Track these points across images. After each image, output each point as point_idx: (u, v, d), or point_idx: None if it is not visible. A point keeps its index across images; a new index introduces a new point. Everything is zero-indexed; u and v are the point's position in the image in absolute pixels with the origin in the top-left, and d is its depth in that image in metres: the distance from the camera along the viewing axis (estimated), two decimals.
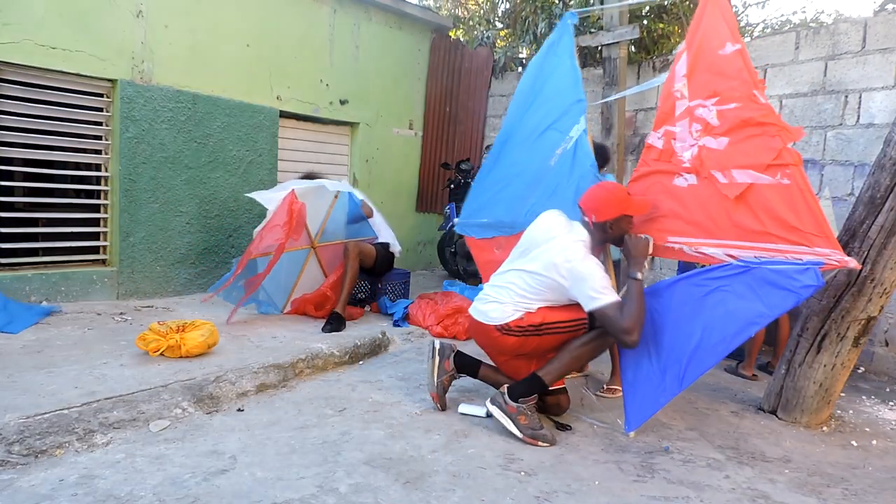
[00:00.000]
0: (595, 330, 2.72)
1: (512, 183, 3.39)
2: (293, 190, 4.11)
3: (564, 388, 2.94)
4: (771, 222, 2.52)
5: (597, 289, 2.57)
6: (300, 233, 4.30)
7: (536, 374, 2.72)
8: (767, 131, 2.55)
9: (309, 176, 4.78)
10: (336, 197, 4.56)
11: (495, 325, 2.77)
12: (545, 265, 2.70)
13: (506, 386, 2.74)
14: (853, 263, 2.43)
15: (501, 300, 2.79)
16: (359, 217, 4.71)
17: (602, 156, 3.53)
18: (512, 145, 3.42)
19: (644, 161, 2.94)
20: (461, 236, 5.91)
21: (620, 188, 2.87)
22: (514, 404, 2.66)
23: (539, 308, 2.74)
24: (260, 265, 4.04)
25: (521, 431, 2.63)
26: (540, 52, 3.42)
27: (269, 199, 4.16)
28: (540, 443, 2.62)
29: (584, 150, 3.12)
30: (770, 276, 2.46)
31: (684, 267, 3.94)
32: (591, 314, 2.67)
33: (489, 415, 2.80)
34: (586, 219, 2.79)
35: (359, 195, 4.71)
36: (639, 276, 2.66)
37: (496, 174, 3.52)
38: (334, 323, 4.03)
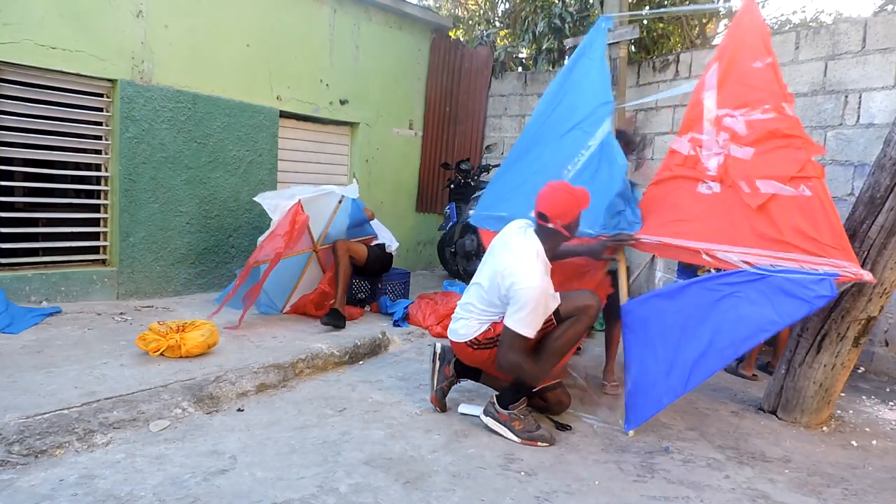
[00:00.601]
0: (565, 322, 2.70)
1: (534, 178, 3.38)
2: (299, 200, 4.10)
3: (559, 382, 2.95)
4: (790, 232, 2.53)
5: (522, 320, 2.54)
6: (299, 241, 4.29)
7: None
8: (793, 143, 2.58)
9: None
10: (340, 202, 4.57)
11: (465, 342, 2.77)
12: (490, 276, 2.68)
13: (495, 395, 2.75)
14: (868, 276, 2.45)
15: (467, 316, 2.79)
16: (361, 220, 4.73)
17: (626, 141, 3.32)
18: (538, 141, 3.42)
19: (667, 166, 2.96)
20: (461, 236, 5.92)
21: (566, 184, 2.79)
22: (505, 412, 2.68)
23: (504, 317, 2.70)
24: (262, 271, 4.06)
25: (518, 436, 2.64)
26: (574, 53, 3.45)
27: (275, 206, 4.12)
28: (539, 443, 2.63)
29: (612, 153, 3.08)
30: (784, 285, 2.47)
31: (683, 268, 3.94)
32: (556, 309, 2.68)
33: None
34: (550, 225, 2.66)
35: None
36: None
37: (519, 168, 3.50)
38: (333, 317, 4.05)
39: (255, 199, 4.28)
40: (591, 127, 3.16)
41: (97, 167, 4.47)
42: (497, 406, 2.70)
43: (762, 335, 2.54)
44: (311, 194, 4.30)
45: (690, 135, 2.88)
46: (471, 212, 3.87)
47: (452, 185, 6.37)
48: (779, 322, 2.49)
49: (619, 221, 3.03)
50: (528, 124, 3.51)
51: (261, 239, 4.16)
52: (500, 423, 2.68)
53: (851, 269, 2.41)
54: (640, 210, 3.05)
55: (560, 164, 3.25)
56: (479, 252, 5.56)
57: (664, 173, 2.96)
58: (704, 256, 2.77)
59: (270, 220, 4.14)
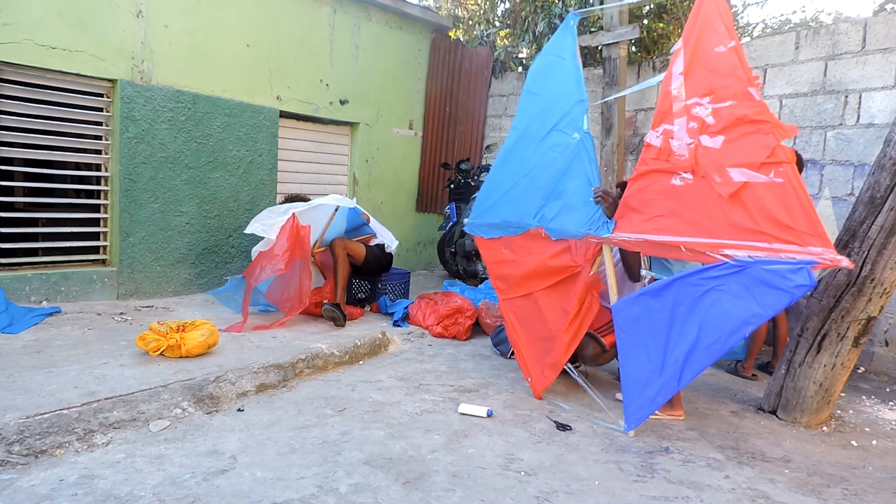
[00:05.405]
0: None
1: (519, 183, 3.39)
2: (294, 213, 4.07)
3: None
4: (765, 221, 2.51)
5: None
6: (305, 252, 4.26)
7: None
8: (761, 129, 2.54)
9: (293, 198, 4.70)
10: (336, 209, 4.56)
11: None
12: None
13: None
14: (845, 262, 2.40)
15: None
16: (358, 224, 4.74)
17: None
18: (520, 146, 3.44)
19: (643, 160, 2.94)
20: (461, 236, 5.92)
21: None
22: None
23: None
24: (262, 287, 4.09)
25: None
26: (542, 52, 3.44)
27: (271, 225, 4.09)
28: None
29: (588, 152, 3.11)
30: (764, 276, 2.45)
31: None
32: None
33: (490, 414, 2.85)
34: None
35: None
36: None
37: (504, 175, 3.52)
38: (334, 307, 4.09)
39: (247, 230, 4.23)
40: (569, 127, 3.17)
41: (97, 167, 4.48)
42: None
43: (747, 328, 2.52)
44: (304, 207, 4.28)
45: (663, 127, 2.86)
46: (465, 220, 3.87)
47: (452, 185, 6.37)
48: (762, 314, 2.46)
49: (600, 214, 3.05)
50: (510, 129, 3.52)
51: (256, 249, 4.16)
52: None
53: (828, 256, 2.36)
54: (621, 207, 3.04)
55: (543, 167, 3.26)
56: (478, 253, 5.56)
57: (640, 168, 2.94)
58: (683, 251, 2.76)
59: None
